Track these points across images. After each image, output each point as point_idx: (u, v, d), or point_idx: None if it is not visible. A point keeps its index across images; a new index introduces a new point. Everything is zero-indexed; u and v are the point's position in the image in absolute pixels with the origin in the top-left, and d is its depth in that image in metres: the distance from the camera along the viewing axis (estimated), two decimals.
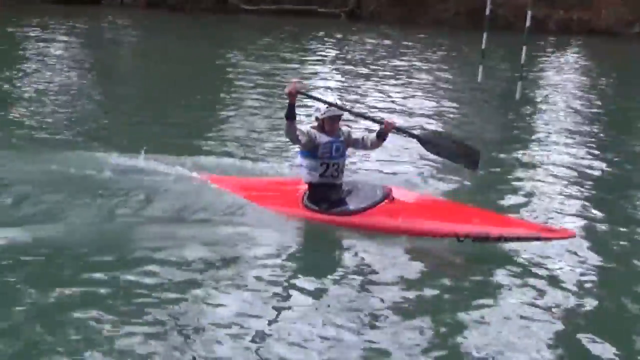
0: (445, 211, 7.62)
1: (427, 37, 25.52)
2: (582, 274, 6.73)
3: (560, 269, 6.81)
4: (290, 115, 7.47)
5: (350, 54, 21.99)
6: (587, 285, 6.53)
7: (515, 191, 10.22)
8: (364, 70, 19.36)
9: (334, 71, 19.72)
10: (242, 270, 6.81)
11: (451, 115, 14.69)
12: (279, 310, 6.09)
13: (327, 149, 7.66)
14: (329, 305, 6.09)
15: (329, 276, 6.66)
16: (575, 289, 6.39)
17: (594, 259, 7.04)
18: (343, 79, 18.49)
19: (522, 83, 15.67)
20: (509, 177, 10.87)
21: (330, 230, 7.67)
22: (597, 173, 11.08)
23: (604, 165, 11.42)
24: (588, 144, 12.84)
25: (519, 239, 7.05)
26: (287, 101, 7.50)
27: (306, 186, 7.92)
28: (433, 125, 13.39)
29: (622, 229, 8.34)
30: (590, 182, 10.60)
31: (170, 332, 5.58)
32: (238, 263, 7.01)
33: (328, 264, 7.09)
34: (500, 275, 6.67)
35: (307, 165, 7.78)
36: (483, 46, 16.28)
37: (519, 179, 10.74)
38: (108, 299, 6.00)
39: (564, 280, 6.56)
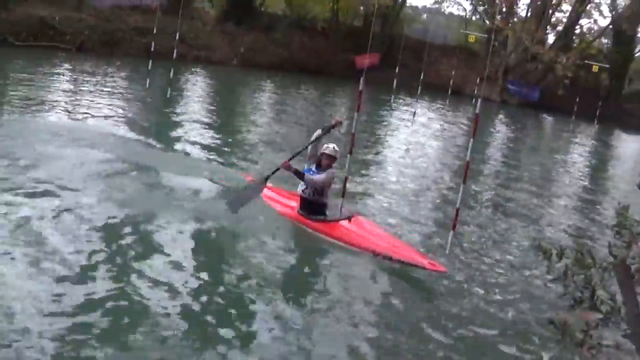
0: (374, 235, 7.35)
1: (123, 63, 24.39)
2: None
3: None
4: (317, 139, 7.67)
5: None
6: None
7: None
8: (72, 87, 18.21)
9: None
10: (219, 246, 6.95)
11: (129, 110, 14.94)
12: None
13: (309, 184, 7.60)
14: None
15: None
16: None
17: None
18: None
19: (170, 90, 17.47)
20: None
21: (305, 232, 7.63)
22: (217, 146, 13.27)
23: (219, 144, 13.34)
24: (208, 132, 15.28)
25: (409, 264, 6.77)
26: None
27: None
28: (114, 121, 13.15)
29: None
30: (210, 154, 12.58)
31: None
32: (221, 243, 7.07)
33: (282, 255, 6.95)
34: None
35: (302, 183, 7.71)
36: (149, 68, 17.82)
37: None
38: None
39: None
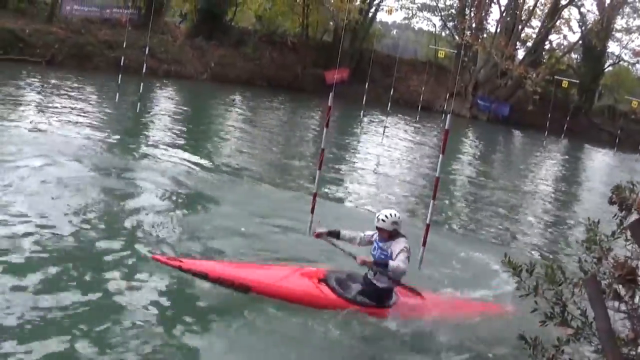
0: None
1: (92, 77, 23.87)
2: None
3: None
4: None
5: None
6: None
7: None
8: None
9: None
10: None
11: (98, 125, 14.76)
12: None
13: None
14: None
15: None
16: None
17: None
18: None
19: (140, 104, 17.53)
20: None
21: None
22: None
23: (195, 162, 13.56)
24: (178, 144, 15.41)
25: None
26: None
27: None
28: (83, 135, 12.89)
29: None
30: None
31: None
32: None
33: None
34: None
35: None
36: (119, 82, 17.83)
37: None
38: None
39: None
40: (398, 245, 6.23)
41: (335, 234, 6.60)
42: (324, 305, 6.12)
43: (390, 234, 6.31)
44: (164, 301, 5.94)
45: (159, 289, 6.15)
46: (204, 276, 5.96)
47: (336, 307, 6.13)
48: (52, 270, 6.12)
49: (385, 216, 6.30)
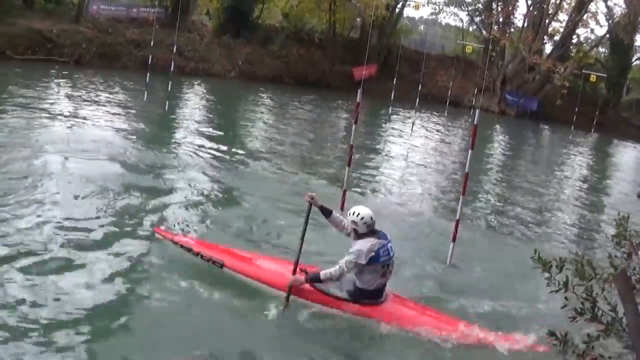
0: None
1: (120, 76, 23.92)
2: None
3: None
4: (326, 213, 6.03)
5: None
6: None
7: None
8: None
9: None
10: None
11: (127, 123, 14.81)
12: None
13: None
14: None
15: None
16: None
17: None
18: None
19: (168, 102, 17.44)
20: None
21: None
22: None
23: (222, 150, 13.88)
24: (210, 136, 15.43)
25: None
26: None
27: None
28: (113, 134, 13.02)
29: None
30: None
31: None
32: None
33: None
34: None
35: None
36: (147, 80, 18.03)
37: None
38: None
39: None
40: (353, 247, 5.77)
41: (328, 212, 6.06)
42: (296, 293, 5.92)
43: (354, 232, 5.85)
44: (181, 292, 6.01)
45: (176, 282, 6.19)
46: (189, 249, 6.47)
47: (313, 299, 5.90)
48: (78, 260, 6.27)
49: (349, 212, 5.86)
